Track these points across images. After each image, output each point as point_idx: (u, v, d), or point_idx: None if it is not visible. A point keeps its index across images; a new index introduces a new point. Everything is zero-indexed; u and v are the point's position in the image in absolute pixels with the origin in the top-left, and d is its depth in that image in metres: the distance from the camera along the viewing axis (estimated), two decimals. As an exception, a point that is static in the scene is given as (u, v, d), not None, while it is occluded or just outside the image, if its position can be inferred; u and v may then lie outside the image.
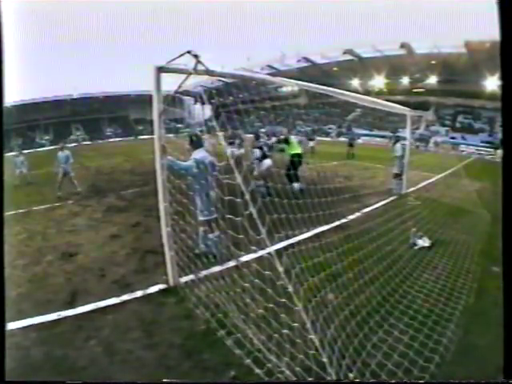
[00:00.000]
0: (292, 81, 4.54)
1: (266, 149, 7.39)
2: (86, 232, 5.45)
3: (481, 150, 20.00)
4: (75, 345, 2.64)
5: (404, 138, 8.18)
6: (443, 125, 23.34)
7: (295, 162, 7.03)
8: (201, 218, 3.82)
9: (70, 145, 25.88)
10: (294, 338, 2.36)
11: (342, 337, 2.54)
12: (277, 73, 24.88)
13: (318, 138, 16.01)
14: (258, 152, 7.16)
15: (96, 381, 2.29)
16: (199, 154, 3.81)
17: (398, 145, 7.85)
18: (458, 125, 23.46)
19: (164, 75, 3.05)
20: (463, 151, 20.24)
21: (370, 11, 21.06)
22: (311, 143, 15.08)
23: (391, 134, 9.16)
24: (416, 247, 4.58)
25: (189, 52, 2.66)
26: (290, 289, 2.24)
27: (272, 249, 2.33)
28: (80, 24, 21.91)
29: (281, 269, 2.25)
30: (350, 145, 15.25)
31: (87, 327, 2.85)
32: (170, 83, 3.10)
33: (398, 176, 7.78)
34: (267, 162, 7.09)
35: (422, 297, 3.27)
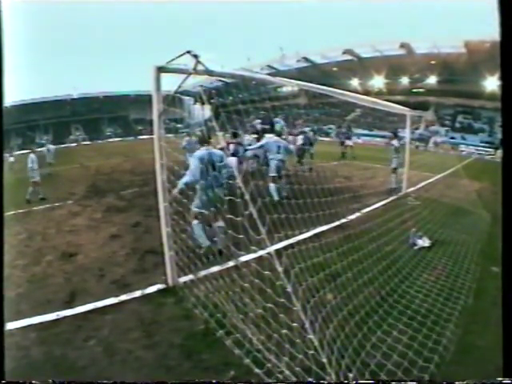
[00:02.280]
0: (292, 81, 4.55)
1: (231, 147, 6.57)
2: (86, 232, 5.45)
3: (480, 150, 19.97)
4: (75, 345, 2.64)
5: (399, 139, 8.23)
6: (443, 125, 23.30)
7: None
8: (193, 209, 3.89)
9: (70, 144, 26.09)
10: (293, 338, 2.36)
11: (342, 337, 2.54)
12: (276, 73, 24.82)
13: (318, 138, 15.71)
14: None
15: (96, 381, 2.29)
16: (200, 152, 3.94)
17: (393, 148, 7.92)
18: (457, 125, 23.41)
19: (164, 75, 3.05)
20: (463, 151, 20.20)
21: (369, 11, 21.07)
22: (348, 142, 13.95)
23: (390, 134, 9.19)
24: (416, 247, 4.57)
25: (188, 52, 2.66)
26: (289, 289, 2.24)
27: (271, 249, 2.34)
28: (80, 24, 21.90)
29: (280, 269, 2.26)
30: (342, 143, 15.24)
31: (86, 327, 2.85)
32: (170, 83, 3.11)
33: (395, 170, 7.90)
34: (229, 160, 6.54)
35: (422, 297, 3.27)
